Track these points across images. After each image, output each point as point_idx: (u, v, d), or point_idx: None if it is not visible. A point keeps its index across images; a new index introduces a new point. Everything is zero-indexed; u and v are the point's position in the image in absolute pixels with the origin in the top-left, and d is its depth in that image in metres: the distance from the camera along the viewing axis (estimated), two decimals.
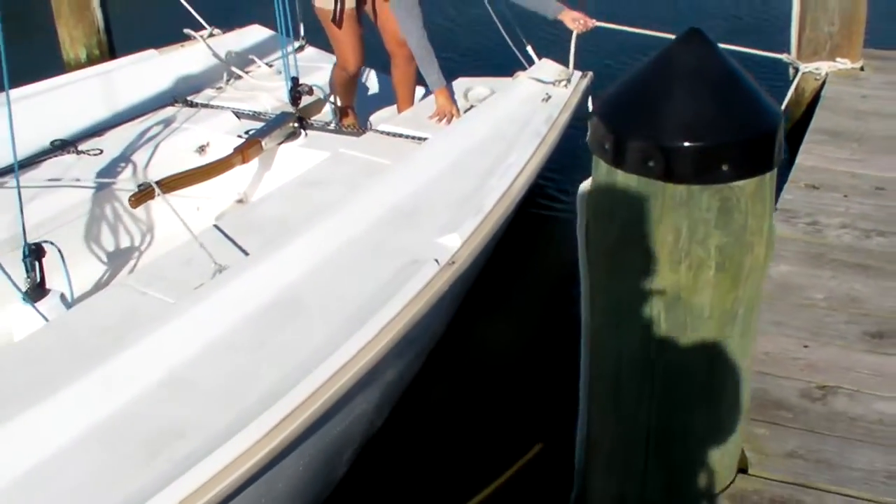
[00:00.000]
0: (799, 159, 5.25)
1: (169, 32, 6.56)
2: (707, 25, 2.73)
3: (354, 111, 6.07)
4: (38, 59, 7.45)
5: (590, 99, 5.84)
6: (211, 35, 6.50)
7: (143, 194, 4.61)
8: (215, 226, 4.15)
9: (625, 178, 2.58)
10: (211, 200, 5.25)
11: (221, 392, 3.08)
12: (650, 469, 2.90)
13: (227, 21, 6.81)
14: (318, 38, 6.30)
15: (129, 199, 4.58)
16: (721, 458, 2.94)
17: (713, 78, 2.53)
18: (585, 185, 2.79)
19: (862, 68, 6.76)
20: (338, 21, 5.59)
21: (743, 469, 3.07)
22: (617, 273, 2.68)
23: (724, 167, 2.48)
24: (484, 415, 4.42)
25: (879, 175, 5.02)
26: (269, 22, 6.38)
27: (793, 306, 3.88)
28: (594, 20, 5.71)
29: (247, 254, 3.79)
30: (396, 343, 3.38)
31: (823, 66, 6.59)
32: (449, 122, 5.39)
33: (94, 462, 2.81)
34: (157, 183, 4.50)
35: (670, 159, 2.49)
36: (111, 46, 9.22)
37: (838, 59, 6.64)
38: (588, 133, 2.67)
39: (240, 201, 5.45)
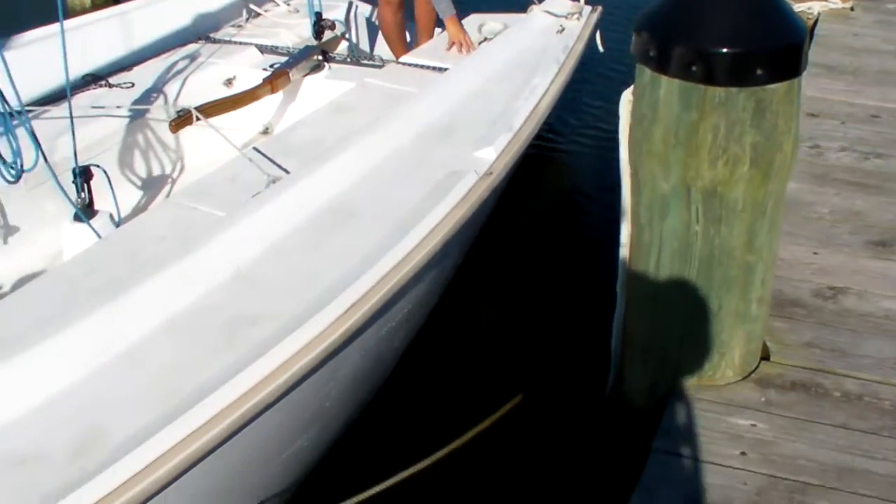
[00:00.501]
0: None
1: None
2: None
3: (405, 44, 6.19)
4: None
5: (598, 33, 6.07)
6: None
7: (182, 120, 4.80)
8: (254, 148, 4.37)
9: (668, 83, 2.86)
10: (238, 132, 5.45)
11: (287, 287, 3.31)
12: (683, 355, 3.19)
13: None
14: None
15: (170, 125, 4.78)
16: (748, 344, 3.24)
17: None
18: (627, 94, 3.07)
19: (852, 8, 7.04)
20: None
21: (766, 357, 3.36)
22: (661, 170, 2.95)
23: (759, 71, 2.77)
24: (469, 365, 4.57)
25: (874, 104, 5.32)
26: None
27: (802, 219, 4.17)
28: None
29: (288, 172, 4.00)
30: (444, 245, 3.63)
31: (815, 6, 6.87)
32: (461, 49, 5.60)
33: (178, 348, 3.03)
34: (195, 109, 4.71)
35: (711, 64, 2.78)
36: None
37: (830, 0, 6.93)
38: (632, 44, 2.94)
39: (265, 132, 5.65)
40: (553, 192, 6.29)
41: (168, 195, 4.92)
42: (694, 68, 2.78)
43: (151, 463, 2.63)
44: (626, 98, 3.07)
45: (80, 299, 3.19)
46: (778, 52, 2.80)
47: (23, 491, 2.52)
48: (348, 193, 3.82)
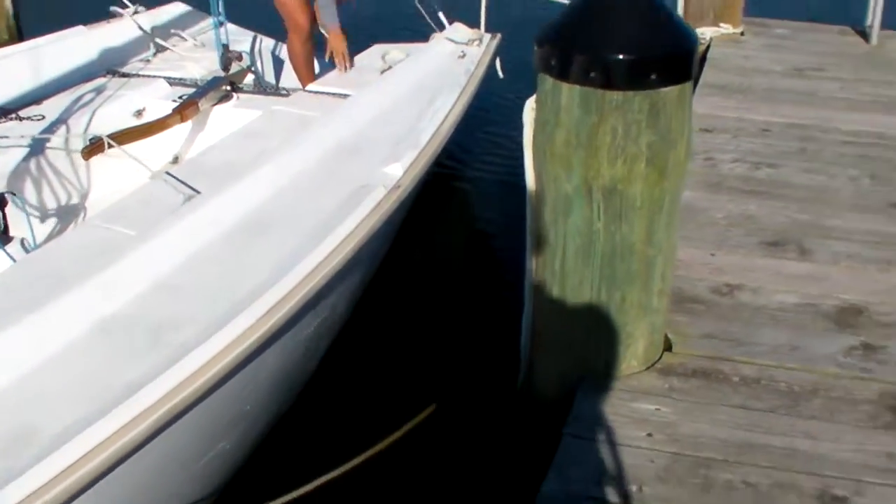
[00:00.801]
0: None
1: (78, 17, 6.77)
2: None
3: (314, 73, 6.35)
4: None
5: (497, 60, 6.31)
6: (136, 12, 6.79)
7: (94, 147, 4.93)
8: (167, 173, 4.50)
9: (569, 90, 3.06)
10: (148, 161, 5.54)
11: (206, 294, 3.45)
12: (591, 344, 3.39)
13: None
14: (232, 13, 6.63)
15: (82, 153, 4.89)
16: (651, 335, 3.44)
17: (643, 5, 3.04)
18: (530, 102, 3.27)
19: (742, 33, 7.40)
20: None
21: (668, 348, 3.57)
22: (564, 171, 3.15)
23: (653, 76, 2.99)
24: (381, 376, 4.73)
25: (764, 119, 5.62)
26: None
27: (698, 224, 4.41)
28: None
29: (201, 192, 4.14)
30: (357, 252, 3.80)
31: (708, 32, 7.21)
32: (339, 60, 5.87)
33: (103, 352, 3.15)
34: (107, 136, 4.83)
35: (609, 70, 2.99)
36: (19, 31, 9.40)
37: (721, 25, 7.27)
38: (534, 56, 3.15)
39: (175, 161, 5.76)
40: (458, 208, 6.49)
41: (82, 221, 5.01)
42: (592, 75, 2.99)
43: (78, 460, 2.73)
44: (529, 106, 3.27)
45: (2, 311, 3.29)
46: (670, 58, 3.03)
47: None
48: (262, 208, 3.98)
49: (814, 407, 3.30)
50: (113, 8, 6.58)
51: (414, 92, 5.36)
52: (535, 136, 3.26)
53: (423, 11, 6.45)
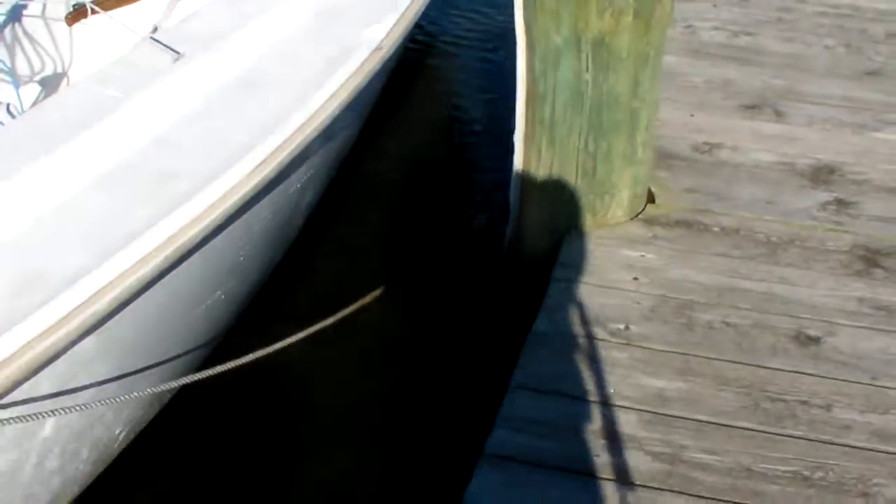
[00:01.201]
0: None
1: None
2: None
3: None
4: None
5: None
6: None
7: (78, 13, 4.92)
8: (151, 37, 4.51)
9: None
10: (126, 32, 5.52)
11: (201, 147, 3.52)
12: (578, 193, 3.50)
13: None
14: None
15: (66, 18, 4.89)
16: (634, 186, 3.56)
17: None
18: None
19: None
20: None
21: (651, 201, 3.69)
22: (553, 24, 3.23)
23: None
24: (371, 236, 4.79)
25: None
26: None
27: (679, 87, 4.50)
28: None
29: (174, 57, 4.16)
30: (343, 110, 3.88)
31: None
32: None
33: (106, 200, 3.23)
34: (90, 2, 4.83)
35: None
36: None
37: None
38: None
39: (155, 30, 5.74)
40: (436, 77, 6.53)
41: (67, 86, 5.02)
42: None
43: (84, 301, 2.83)
44: None
45: (2, 164, 3.36)
46: None
47: None
48: (249, 67, 4.03)
49: (790, 256, 3.43)
50: None
51: None
52: None
53: None
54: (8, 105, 4.18)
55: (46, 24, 5.06)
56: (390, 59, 4.48)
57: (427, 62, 6.52)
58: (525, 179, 3.63)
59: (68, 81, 5.17)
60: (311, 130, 3.65)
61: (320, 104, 3.76)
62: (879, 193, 3.79)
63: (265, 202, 3.58)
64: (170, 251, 3.01)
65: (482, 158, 5.32)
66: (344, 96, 3.86)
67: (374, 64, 4.12)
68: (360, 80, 3.97)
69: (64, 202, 3.23)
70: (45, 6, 5.14)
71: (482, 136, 5.66)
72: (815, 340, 3.04)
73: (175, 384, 3.19)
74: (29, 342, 2.65)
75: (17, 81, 4.38)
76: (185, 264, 3.16)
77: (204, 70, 3.93)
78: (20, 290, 2.83)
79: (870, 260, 3.41)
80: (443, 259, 4.50)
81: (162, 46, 4.21)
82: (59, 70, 5.20)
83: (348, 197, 4.90)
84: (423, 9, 4.92)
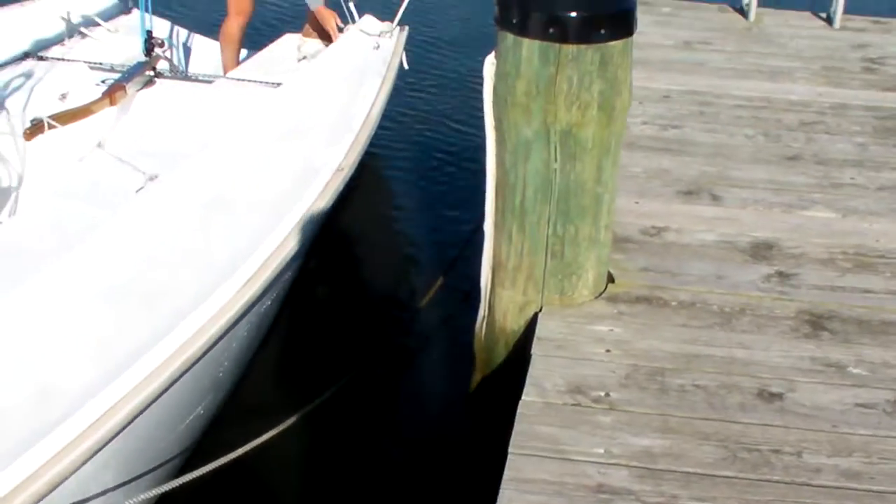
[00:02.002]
0: None
1: None
2: None
3: (238, 59, 6.61)
4: None
5: (403, 53, 6.62)
6: None
7: (35, 128, 5.11)
8: (110, 154, 4.74)
9: (529, 44, 3.45)
10: (73, 146, 5.69)
11: (187, 265, 3.76)
12: (548, 275, 3.78)
13: None
14: None
15: (24, 133, 5.08)
16: (598, 266, 3.86)
17: None
18: (490, 58, 3.65)
19: None
20: None
21: (611, 281, 3.99)
22: (524, 118, 3.54)
23: (603, 31, 3.41)
24: (340, 323, 5.13)
25: (664, 87, 6.09)
26: None
27: (621, 177, 4.78)
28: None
29: (144, 172, 4.38)
30: (314, 229, 4.13)
31: None
32: (336, 33, 6.25)
33: (106, 318, 3.44)
34: (48, 117, 5.03)
35: (565, 26, 3.39)
36: None
37: None
38: (496, 14, 3.53)
39: (98, 145, 5.92)
40: (394, 186, 6.87)
41: (28, 199, 5.15)
42: (551, 30, 3.39)
43: (98, 419, 3.03)
44: (490, 61, 3.64)
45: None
46: (616, 14, 3.45)
47: None
48: (222, 187, 4.28)
49: (744, 323, 3.75)
50: None
51: (341, 80, 5.70)
52: (495, 88, 3.64)
53: (340, 3, 6.73)
54: None
55: (4, 139, 5.22)
56: (352, 178, 4.77)
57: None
58: (496, 263, 3.90)
59: (31, 194, 5.31)
60: (287, 250, 3.91)
61: (293, 225, 4.01)
62: (814, 265, 4.15)
63: (244, 320, 3.81)
64: (170, 371, 3.22)
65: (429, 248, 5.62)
66: (314, 216, 4.12)
67: (338, 184, 4.40)
68: (326, 202, 4.24)
69: (64, 318, 3.42)
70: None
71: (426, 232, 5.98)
72: (779, 396, 3.34)
73: (154, 493, 3.37)
74: (49, 460, 2.83)
75: None
76: (177, 382, 3.36)
77: (178, 191, 4.16)
78: (34, 405, 3.00)
79: (815, 324, 3.74)
80: (411, 344, 4.75)
81: (120, 162, 4.43)
82: (16, 183, 5.35)
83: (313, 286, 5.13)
84: (374, 128, 5.24)
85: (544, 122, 3.50)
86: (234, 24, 6.40)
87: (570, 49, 3.40)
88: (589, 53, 3.41)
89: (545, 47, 3.42)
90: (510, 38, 3.50)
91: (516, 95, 3.52)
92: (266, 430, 3.74)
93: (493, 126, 3.73)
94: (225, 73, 6.39)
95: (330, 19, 6.24)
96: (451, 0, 10.07)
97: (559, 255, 3.73)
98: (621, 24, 3.46)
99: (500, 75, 3.60)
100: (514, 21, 3.46)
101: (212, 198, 4.21)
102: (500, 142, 3.70)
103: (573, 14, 3.37)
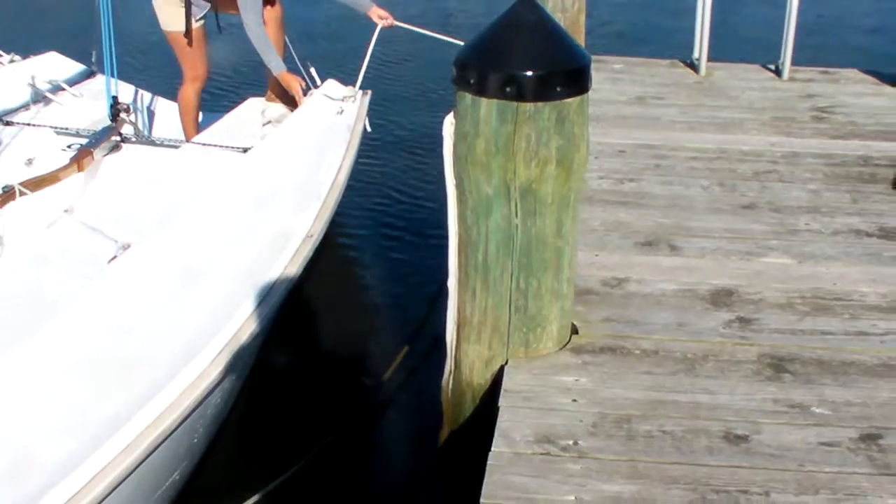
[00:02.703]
0: None
1: None
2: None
3: (198, 125, 6.70)
4: None
5: (365, 118, 6.74)
6: (12, 60, 6.99)
7: (7, 195, 5.17)
8: (81, 222, 4.79)
9: (487, 103, 3.54)
10: (41, 212, 5.74)
11: (161, 335, 3.81)
12: (513, 329, 3.85)
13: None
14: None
15: None
16: (561, 319, 3.92)
17: (546, 28, 3.57)
18: (449, 118, 3.74)
19: None
20: (189, 40, 6.30)
21: (575, 332, 4.06)
22: (484, 175, 3.62)
23: (559, 88, 3.50)
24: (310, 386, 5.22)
25: (619, 142, 6.22)
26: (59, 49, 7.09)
27: (580, 232, 4.90)
28: (394, 21, 6.66)
29: (117, 241, 4.44)
30: (284, 296, 4.19)
31: None
32: (301, 97, 6.36)
33: (82, 387, 3.48)
34: (18, 184, 5.08)
35: (522, 85, 3.48)
36: None
37: None
38: (454, 75, 3.62)
39: (66, 211, 5.97)
40: (358, 249, 6.95)
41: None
42: (508, 89, 3.48)
43: (81, 488, 3.06)
44: (449, 121, 3.73)
45: None
46: (572, 72, 3.55)
47: None
48: (193, 256, 4.34)
49: (707, 369, 3.83)
50: None
51: (306, 146, 5.79)
52: (455, 147, 3.72)
53: (299, 66, 6.85)
54: None
55: None
56: (320, 244, 4.84)
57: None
58: (461, 319, 3.96)
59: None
60: (261, 317, 3.95)
61: (265, 292, 4.07)
62: (774, 309, 4.23)
63: (218, 388, 3.85)
64: (148, 441, 3.26)
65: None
66: (285, 283, 4.18)
67: (308, 250, 4.47)
68: (296, 268, 4.31)
69: (40, 388, 3.45)
70: None
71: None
72: (744, 438, 3.41)
73: None
74: None
75: None
76: (155, 452, 3.39)
77: (149, 260, 4.22)
78: (14, 477, 3.02)
79: (777, 366, 3.82)
80: (381, 404, 4.79)
81: (91, 230, 4.48)
82: None
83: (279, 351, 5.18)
84: (341, 194, 5.32)
85: (504, 179, 3.57)
86: (189, 91, 6.49)
87: (528, 107, 3.48)
88: (546, 111, 3.50)
89: (503, 106, 3.50)
90: (468, 97, 3.58)
91: (476, 154, 3.60)
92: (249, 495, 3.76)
93: (453, 184, 3.80)
94: (187, 138, 6.46)
95: (294, 84, 6.34)
96: (407, 62, 10.22)
97: (523, 308, 3.78)
98: (576, 81, 3.55)
99: (459, 134, 3.68)
100: (472, 81, 3.54)
101: (186, 266, 4.26)
102: (461, 199, 3.77)
103: (529, 73, 3.46)
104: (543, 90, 3.49)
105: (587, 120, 3.65)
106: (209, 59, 6.54)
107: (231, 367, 3.78)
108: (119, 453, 3.19)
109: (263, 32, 6.26)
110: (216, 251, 4.41)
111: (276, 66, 6.35)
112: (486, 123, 3.55)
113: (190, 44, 6.32)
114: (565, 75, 3.52)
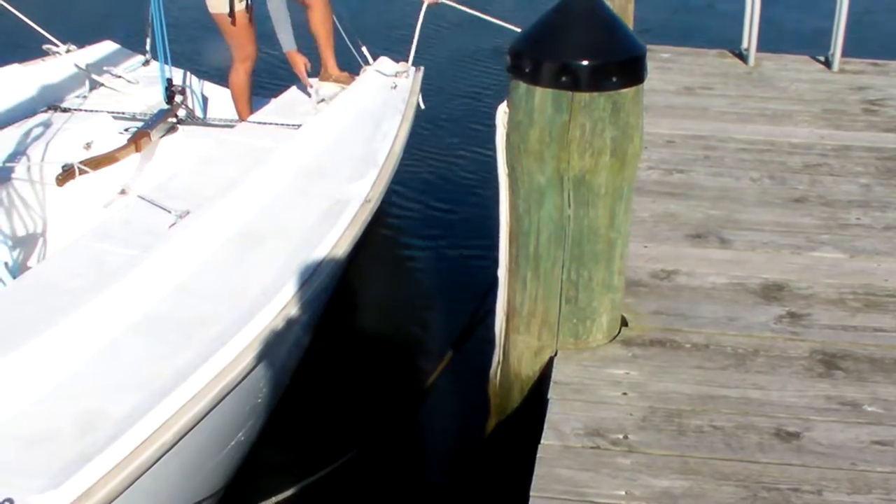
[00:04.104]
0: None
1: (11, 56, 7.05)
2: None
3: (251, 105, 6.73)
4: None
5: (419, 93, 6.76)
6: (69, 50, 7.07)
7: (67, 174, 5.21)
8: (140, 196, 4.82)
9: (542, 93, 3.51)
10: (99, 192, 5.84)
11: (222, 295, 3.83)
12: (563, 320, 3.82)
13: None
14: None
15: (56, 179, 5.17)
16: (612, 311, 3.90)
17: (601, 17, 3.54)
18: (502, 107, 3.71)
19: None
20: (233, 20, 6.32)
21: (624, 325, 4.03)
22: (537, 165, 3.59)
23: (614, 79, 3.47)
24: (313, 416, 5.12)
25: (667, 132, 6.17)
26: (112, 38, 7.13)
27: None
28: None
29: (171, 212, 4.47)
30: (345, 258, 4.20)
31: None
32: (305, 69, 6.42)
33: (147, 345, 3.51)
34: (79, 164, 5.13)
35: (577, 74, 3.45)
36: None
37: None
38: (508, 63, 3.59)
39: (122, 192, 6.04)
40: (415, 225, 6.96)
41: (60, 243, 5.23)
42: (563, 79, 3.45)
43: (148, 437, 3.08)
44: (502, 110, 3.70)
45: (24, 321, 3.60)
46: (627, 62, 3.51)
47: (39, 466, 2.93)
48: (251, 222, 4.36)
49: (758, 364, 3.79)
50: (46, 46, 6.84)
51: (362, 118, 5.80)
52: (508, 136, 3.69)
53: (350, 46, 6.87)
54: (5, 263, 4.39)
55: (28, 186, 5.32)
56: (378, 211, 4.85)
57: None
58: (511, 309, 3.95)
59: (62, 238, 5.37)
60: (322, 280, 3.96)
61: (326, 256, 4.07)
62: (825, 305, 4.19)
63: (283, 344, 3.86)
64: (215, 392, 3.27)
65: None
66: (344, 247, 4.18)
67: (366, 215, 4.47)
68: (356, 231, 4.31)
69: (106, 346, 3.49)
70: (27, 169, 5.39)
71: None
72: (796, 435, 3.37)
73: None
74: (101, 479, 2.87)
75: (9, 241, 4.61)
76: (219, 406, 3.41)
77: (210, 226, 4.24)
78: (84, 429, 3.05)
79: (829, 363, 3.78)
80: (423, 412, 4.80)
81: (149, 204, 4.52)
82: (47, 228, 5.43)
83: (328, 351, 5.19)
84: (398, 163, 5.32)
85: (557, 169, 3.55)
86: (240, 71, 6.50)
87: (583, 97, 3.45)
88: (601, 101, 3.46)
89: (558, 95, 3.47)
90: (522, 86, 3.55)
91: (529, 143, 3.58)
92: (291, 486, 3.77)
93: (505, 173, 3.78)
94: (241, 118, 6.49)
95: (300, 63, 6.37)
96: (460, 40, 10.17)
97: (573, 299, 3.76)
98: (632, 71, 3.51)
99: (512, 123, 3.65)
100: (527, 70, 3.51)
101: (244, 230, 4.30)
102: (513, 189, 3.74)
103: (584, 62, 3.42)
104: (598, 80, 3.46)
105: (642, 111, 3.61)
106: (256, 40, 6.54)
107: (291, 327, 3.80)
108: (183, 405, 3.22)
109: (282, 5, 6.28)
110: (274, 215, 4.46)
111: (287, 43, 6.38)
112: (540, 112, 3.52)
113: (235, 24, 6.32)
114: (621, 65, 3.49)
